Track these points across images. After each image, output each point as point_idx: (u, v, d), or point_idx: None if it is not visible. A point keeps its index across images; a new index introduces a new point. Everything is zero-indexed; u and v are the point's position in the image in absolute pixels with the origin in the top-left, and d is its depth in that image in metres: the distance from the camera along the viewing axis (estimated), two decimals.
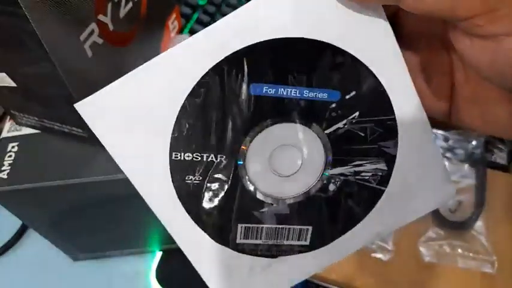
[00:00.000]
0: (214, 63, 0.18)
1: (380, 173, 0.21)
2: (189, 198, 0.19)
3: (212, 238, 0.20)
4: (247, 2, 0.18)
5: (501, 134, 0.21)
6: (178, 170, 0.19)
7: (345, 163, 0.20)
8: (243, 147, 0.19)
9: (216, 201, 0.20)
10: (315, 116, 0.19)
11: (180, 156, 0.19)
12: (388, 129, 0.20)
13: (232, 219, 0.20)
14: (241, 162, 0.19)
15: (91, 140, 0.32)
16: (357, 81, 0.19)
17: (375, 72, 0.19)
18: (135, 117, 0.18)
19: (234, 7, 0.55)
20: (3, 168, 0.32)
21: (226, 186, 0.20)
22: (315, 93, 0.19)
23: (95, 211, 0.37)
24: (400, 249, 0.42)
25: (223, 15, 0.56)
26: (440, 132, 0.48)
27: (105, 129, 0.18)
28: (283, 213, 0.21)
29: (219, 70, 0.18)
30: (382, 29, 0.19)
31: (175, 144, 0.19)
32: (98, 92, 0.17)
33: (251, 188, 0.20)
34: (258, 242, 0.21)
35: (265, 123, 0.19)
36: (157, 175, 0.19)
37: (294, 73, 0.19)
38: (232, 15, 0.17)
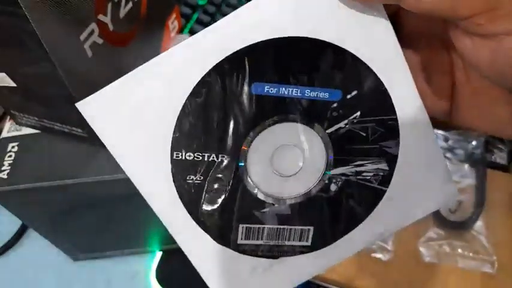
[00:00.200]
0: (215, 63, 0.18)
1: (381, 173, 0.21)
2: (190, 199, 0.19)
3: (213, 239, 0.20)
4: (247, 2, 0.18)
5: (501, 133, 0.21)
6: (179, 170, 0.19)
7: (346, 163, 0.20)
8: (244, 147, 0.19)
9: (217, 201, 0.20)
10: (316, 115, 0.19)
11: (181, 155, 0.19)
12: (390, 129, 0.20)
13: (233, 220, 0.20)
14: (243, 163, 0.19)
15: (91, 140, 0.32)
16: (358, 81, 0.19)
17: (376, 71, 0.19)
18: (136, 116, 0.18)
19: (234, 7, 0.55)
20: (3, 168, 0.32)
21: (227, 186, 0.20)
22: (316, 93, 0.19)
23: (95, 211, 0.37)
24: (400, 249, 0.42)
25: (223, 15, 0.56)
26: (440, 132, 0.48)
27: (106, 129, 0.18)
28: (285, 214, 0.20)
29: (220, 70, 0.18)
30: (383, 28, 0.18)
31: (177, 144, 0.19)
32: (99, 91, 0.17)
33: (252, 188, 0.20)
34: (260, 242, 0.21)
35: (266, 123, 0.19)
36: (159, 175, 0.19)
37: (296, 73, 0.19)
38: (232, 15, 0.17)
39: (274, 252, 0.21)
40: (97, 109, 0.18)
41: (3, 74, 0.28)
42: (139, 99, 0.18)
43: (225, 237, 0.20)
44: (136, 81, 0.18)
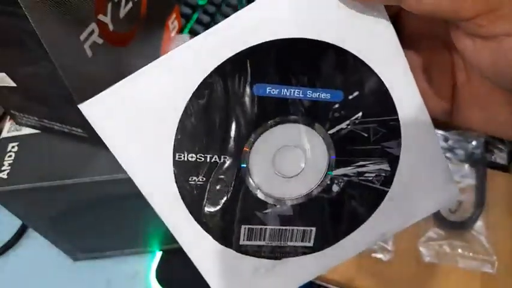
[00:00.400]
0: (216, 65, 0.18)
1: (383, 174, 0.21)
2: (192, 200, 0.19)
3: (215, 239, 0.20)
4: (247, 2, 0.18)
5: (502, 134, 0.21)
6: (181, 171, 0.19)
7: (348, 164, 0.20)
8: (246, 148, 0.19)
9: (219, 202, 0.20)
10: (318, 116, 0.19)
11: (184, 157, 0.19)
12: (391, 129, 0.20)
13: (235, 221, 0.20)
14: (245, 164, 0.19)
15: (91, 140, 0.32)
16: (359, 82, 0.19)
17: (377, 72, 0.19)
18: (138, 118, 0.18)
19: (234, 7, 0.55)
20: (3, 168, 0.32)
21: (229, 188, 0.20)
22: (318, 94, 0.19)
23: (94, 211, 0.37)
24: (400, 249, 0.42)
25: (223, 15, 0.56)
26: (440, 132, 0.48)
27: (109, 130, 0.18)
28: (287, 215, 0.20)
29: (221, 71, 0.18)
30: (384, 29, 0.19)
31: (179, 145, 0.19)
32: (101, 93, 0.17)
33: (254, 189, 0.20)
34: (262, 243, 0.21)
35: (268, 124, 0.19)
36: (161, 176, 0.19)
37: (297, 74, 0.19)
38: (233, 16, 0.17)
39: (276, 253, 0.21)
40: (99, 110, 0.18)
41: (3, 74, 0.28)
42: (141, 101, 0.18)
43: (227, 238, 0.20)
44: (138, 83, 0.18)
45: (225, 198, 0.20)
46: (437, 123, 0.21)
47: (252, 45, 0.18)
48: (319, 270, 0.22)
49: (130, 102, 0.18)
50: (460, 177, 0.46)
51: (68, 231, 0.39)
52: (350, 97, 0.19)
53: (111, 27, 0.29)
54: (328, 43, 0.18)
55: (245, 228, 0.20)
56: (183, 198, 0.19)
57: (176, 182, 0.19)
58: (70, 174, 0.32)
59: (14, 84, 0.29)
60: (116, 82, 0.18)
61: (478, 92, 0.20)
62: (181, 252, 0.20)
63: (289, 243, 0.21)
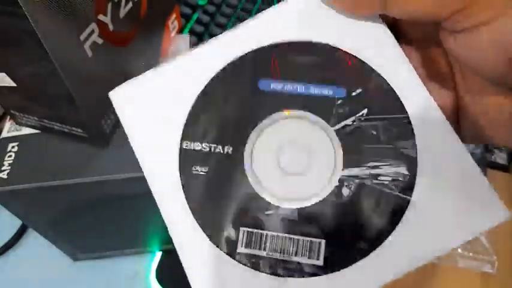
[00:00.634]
0: (226, 62, 0.20)
1: (401, 178, 0.18)
2: (192, 189, 0.19)
3: (210, 239, 0.19)
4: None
5: (492, 139, 0.20)
6: (186, 159, 0.20)
7: (358, 163, 0.19)
8: (250, 144, 0.20)
9: (219, 195, 0.19)
10: (322, 112, 0.20)
11: (190, 145, 0.20)
12: (401, 127, 0.19)
13: (233, 219, 0.19)
14: (248, 162, 0.20)
15: (91, 140, 0.32)
16: (361, 80, 0.20)
17: (379, 71, 0.19)
18: (156, 107, 0.20)
19: (234, 7, 0.55)
20: (3, 168, 0.32)
21: (230, 185, 0.19)
22: (320, 89, 0.20)
23: (95, 211, 0.37)
24: None
25: (223, 15, 0.56)
26: None
27: (132, 118, 0.20)
28: (291, 219, 0.19)
29: (229, 68, 0.20)
30: (381, 31, 0.20)
31: (186, 134, 0.20)
32: (130, 81, 0.20)
33: (256, 187, 0.19)
34: (262, 253, 0.19)
35: (272, 119, 0.20)
36: (167, 161, 0.20)
37: (300, 71, 0.20)
38: (245, 24, 0.20)
39: (278, 269, 0.18)
40: (127, 98, 0.20)
41: (3, 74, 0.28)
42: (161, 92, 0.20)
43: (223, 239, 0.19)
44: (164, 75, 0.20)
45: (224, 194, 0.19)
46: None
47: (258, 47, 0.20)
48: None
49: (153, 93, 0.20)
50: None
51: (68, 231, 0.39)
52: (353, 93, 0.20)
53: (111, 27, 0.29)
54: (328, 44, 0.20)
55: (244, 231, 0.19)
56: (183, 186, 0.19)
57: (179, 169, 0.19)
58: (70, 174, 0.32)
59: (14, 84, 0.29)
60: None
61: (472, 90, 0.19)
62: None
63: (294, 258, 0.18)
